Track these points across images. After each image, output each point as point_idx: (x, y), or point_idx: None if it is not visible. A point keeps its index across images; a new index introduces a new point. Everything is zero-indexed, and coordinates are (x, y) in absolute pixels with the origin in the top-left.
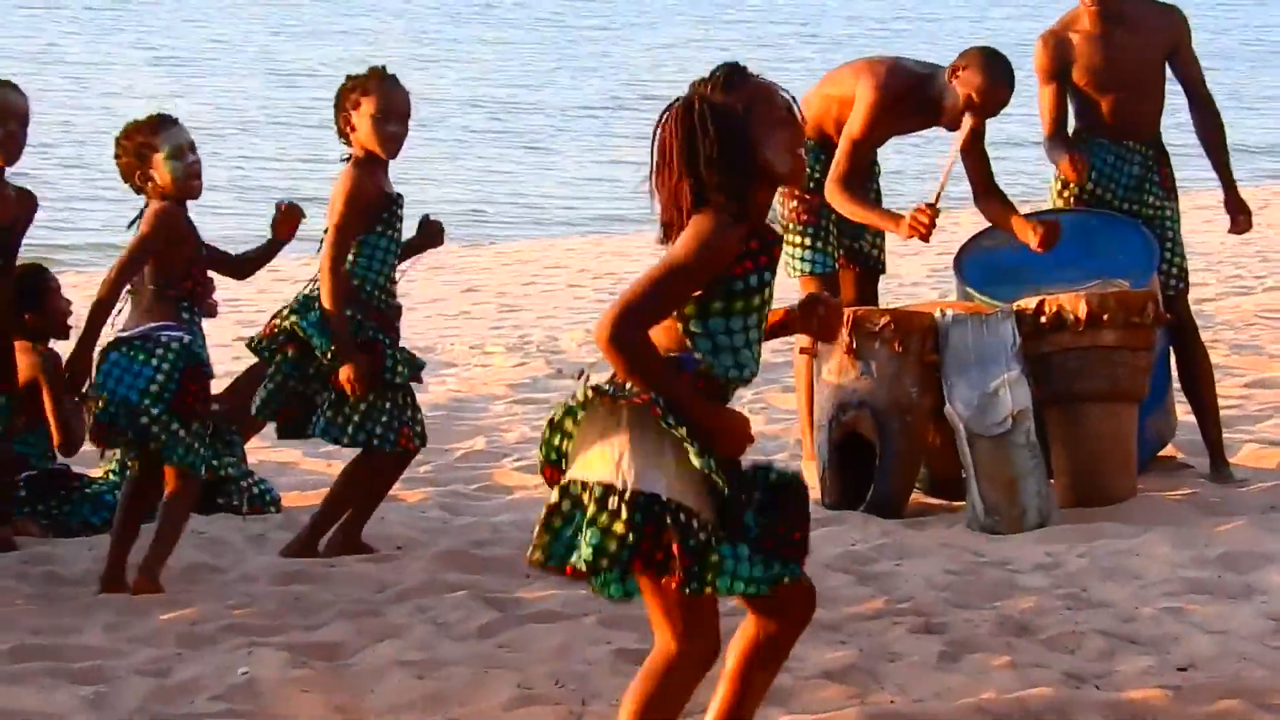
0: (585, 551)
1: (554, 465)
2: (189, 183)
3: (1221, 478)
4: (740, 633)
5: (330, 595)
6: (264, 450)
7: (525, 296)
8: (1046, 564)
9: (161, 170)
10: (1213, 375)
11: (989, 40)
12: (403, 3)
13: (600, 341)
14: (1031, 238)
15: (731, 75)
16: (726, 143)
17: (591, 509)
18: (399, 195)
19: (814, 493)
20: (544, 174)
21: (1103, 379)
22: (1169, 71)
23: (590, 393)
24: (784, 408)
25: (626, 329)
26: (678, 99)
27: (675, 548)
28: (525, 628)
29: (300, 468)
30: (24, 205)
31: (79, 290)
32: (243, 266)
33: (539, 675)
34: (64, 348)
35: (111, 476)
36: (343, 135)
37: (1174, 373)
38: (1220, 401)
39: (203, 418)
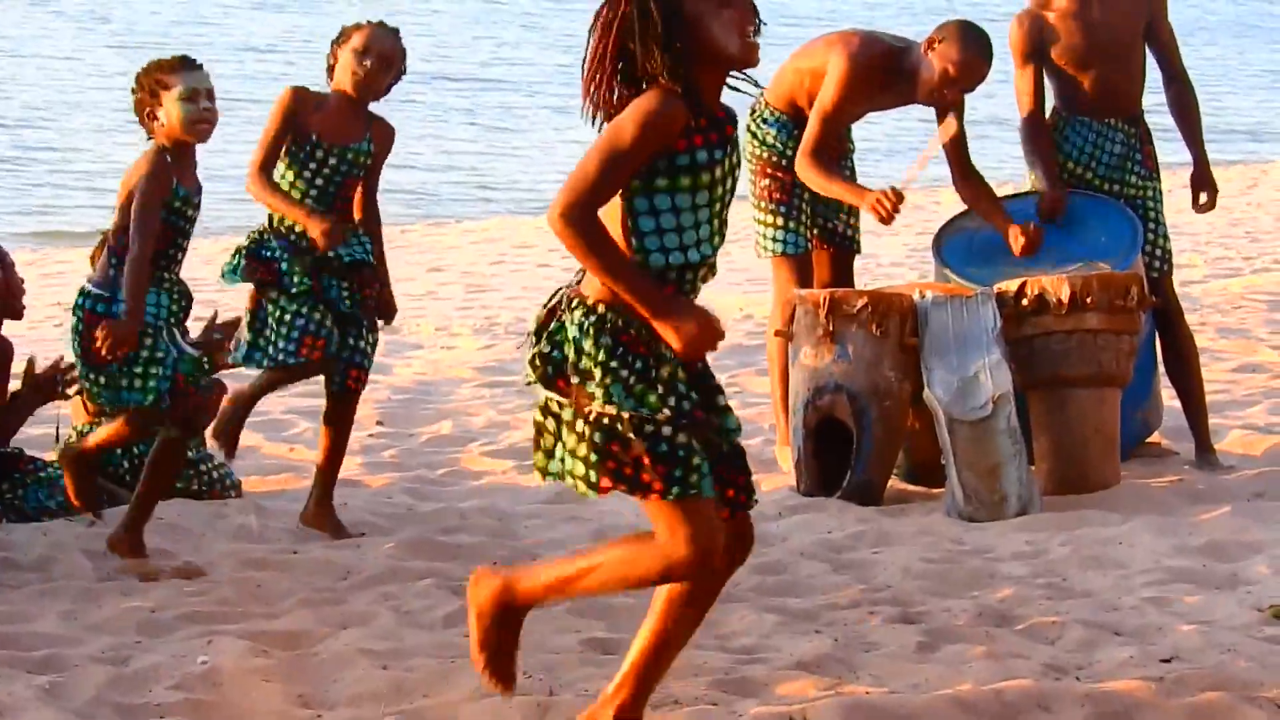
0: (572, 482)
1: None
2: (195, 127)
3: (1207, 465)
4: None
5: (291, 582)
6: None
7: (493, 276)
8: (1027, 553)
9: (171, 110)
10: (1199, 360)
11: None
12: None
13: (552, 222)
14: (1013, 241)
15: None
16: (669, 21)
17: (565, 432)
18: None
19: (789, 479)
20: (512, 151)
21: (1086, 363)
22: (1150, 49)
23: (533, 369)
24: (758, 391)
25: (577, 207)
26: None
27: (645, 459)
28: None
29: (260, 451)
30: None
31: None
32: None
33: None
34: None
35: None
36: (329, 71)
37: (1159, 357)
38: (1207, 387)
39: (118, 356)
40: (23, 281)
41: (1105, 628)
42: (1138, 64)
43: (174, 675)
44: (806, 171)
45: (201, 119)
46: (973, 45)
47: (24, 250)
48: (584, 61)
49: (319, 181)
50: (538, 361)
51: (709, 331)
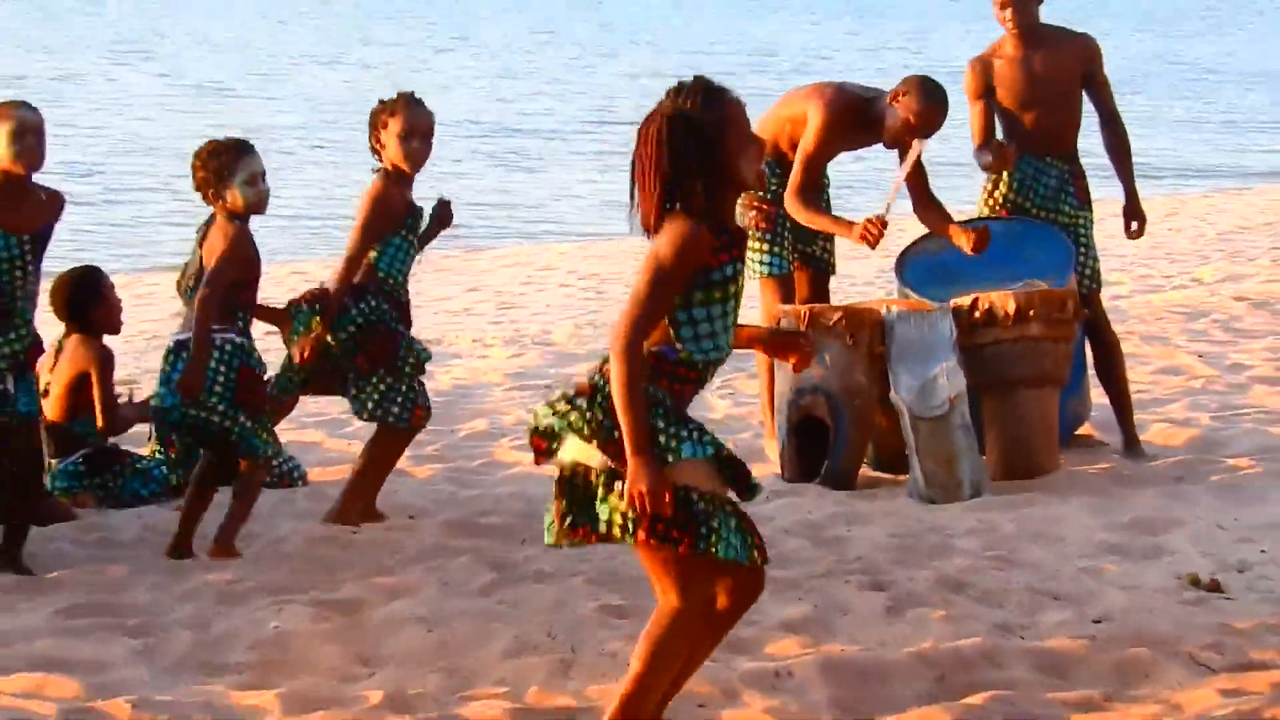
0: (601, 525)
1: (543, 437)
2: (259, 206)
3: (1134, 453)
4: None
5: (350, 558)
6: (292, 432)
7: (521, 295)
8: (979, 529)
9: (235, 193)
10: (1124, 364)
11: (926, 68)
12: (397, 35)
13: (614, 349)
14: (965, 244)
15: (709, 92)
16: (707, 153)
17: (600, 490)
18: (420, 207)
19: (775, 468)
20: (536, 188)
21: (1029, 367)
22: (1088, 94)
23: (559, 416)
24: (749, 393)
25: (635, 343)
26: (658, 110)
27: (680, 513)
28: (522, 586)
29: (324, 447)
30: (53, 204)
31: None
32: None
33: (533, 628)
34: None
35: (157, 455)
36: (374, 151)
37: (1090, 361)
38: (1132, 387)
39: (261, 408)
40: (120, 301)
41: (1045, 593)
42: (1074, 108)
43: (249, 638)
44: (797, 210)
45: (261, 199)
46: (931, 98)
47: (118, 275)
48: (631, 173)
49: (413, 246)
50: (594, 426)
51: (656, 497)
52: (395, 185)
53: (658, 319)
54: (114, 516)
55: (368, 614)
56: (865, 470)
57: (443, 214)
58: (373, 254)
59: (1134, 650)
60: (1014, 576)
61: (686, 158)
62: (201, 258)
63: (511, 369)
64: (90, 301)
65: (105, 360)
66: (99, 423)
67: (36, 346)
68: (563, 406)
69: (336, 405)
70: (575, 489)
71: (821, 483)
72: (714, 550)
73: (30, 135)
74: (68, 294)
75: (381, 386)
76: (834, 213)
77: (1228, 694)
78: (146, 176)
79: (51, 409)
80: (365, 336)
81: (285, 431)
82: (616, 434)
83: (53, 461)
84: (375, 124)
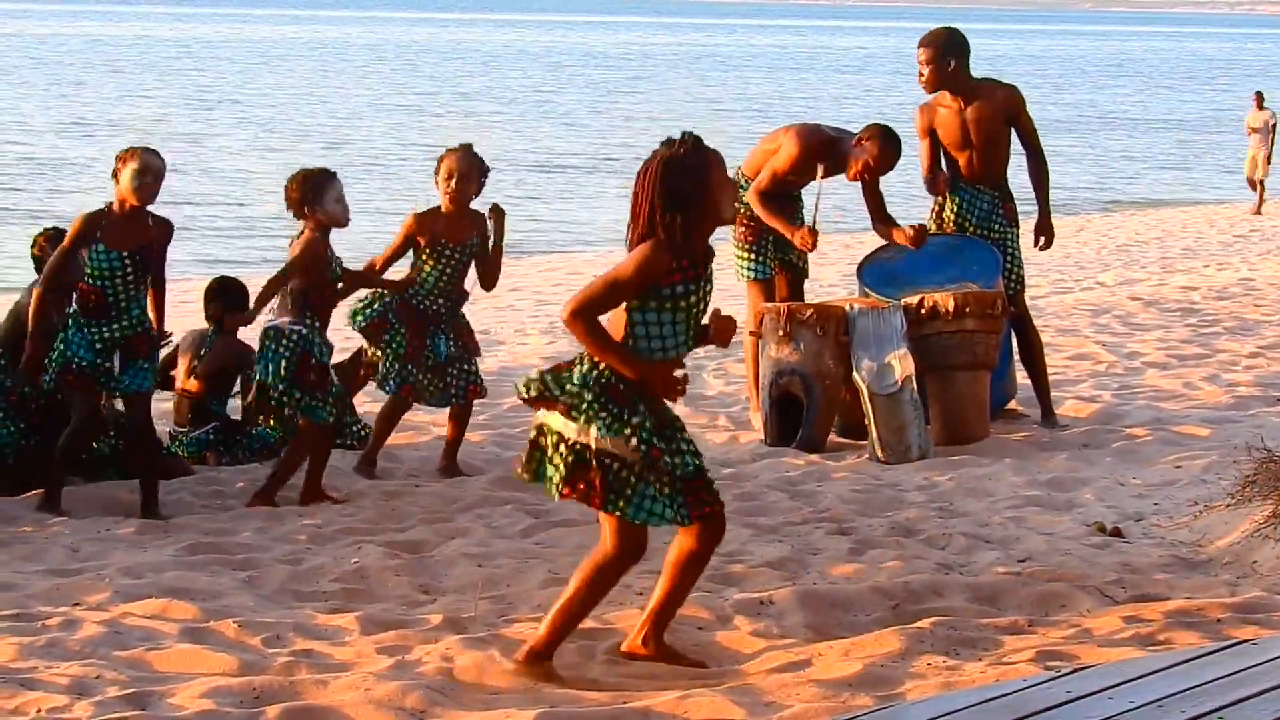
0: (547, 485)
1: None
2: (344, 220)
3: (1050, 424)
4: (675, 542)
5: (416, 507)
6: (367, 404)
7: (554, 293)
8: (925, 485)
9: (325, 210)
10: (1043, 351)
11: (883, 114)
12: (433, 88)
13: (564, 317)
14: (905, 239)
15: (697, 144)
16: (693, 192)
17: (550, 450)
18: (461, 245)
19: (759, 435)
20: (564, 209)
21: (965, 354)
22: (1016, 134)
23: (533, 386)
24: (738, 374)
25: (581, 312)
26: (655, 155)
27: (596, 481)
28: (555, 530)
29: None
30: (159, 230)
31: None
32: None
33: (565, 564)
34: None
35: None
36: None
37: (1015, 349)
38: (1049, 370)
39: (321, 385)
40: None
41: (979, 538)
42: (1002, 147)
43: (334, 571)
44: (756, 204)
45: (346, 216)
46: (889, 145)
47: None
48: (631, 202)
49: (449, 270)
50: (534, 388)
51: (675, 380)
52: (427, 219)
53: (601, 310)
54: (226, 472)
55: (430, 552)
56: (833, 437)
57: (497, 216)
58: (426, 267)
59: (1052, 584)
60: (954, 524)
61: (675, 194)
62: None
63: (547, 353)
64: (235, 306)
65: (243, 358)
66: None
67: (144, 336)
68: (546, 381)
69: None
70: (539, 449)
71: (797, 447)
72: (618, 513)
73: (149, 176)
74: (213, 298)
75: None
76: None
77: (1129, 620)
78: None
79: (195, 389)
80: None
81: (361, 402)
82: (547, 395)
83: (188, 430)
84: (436, 168)
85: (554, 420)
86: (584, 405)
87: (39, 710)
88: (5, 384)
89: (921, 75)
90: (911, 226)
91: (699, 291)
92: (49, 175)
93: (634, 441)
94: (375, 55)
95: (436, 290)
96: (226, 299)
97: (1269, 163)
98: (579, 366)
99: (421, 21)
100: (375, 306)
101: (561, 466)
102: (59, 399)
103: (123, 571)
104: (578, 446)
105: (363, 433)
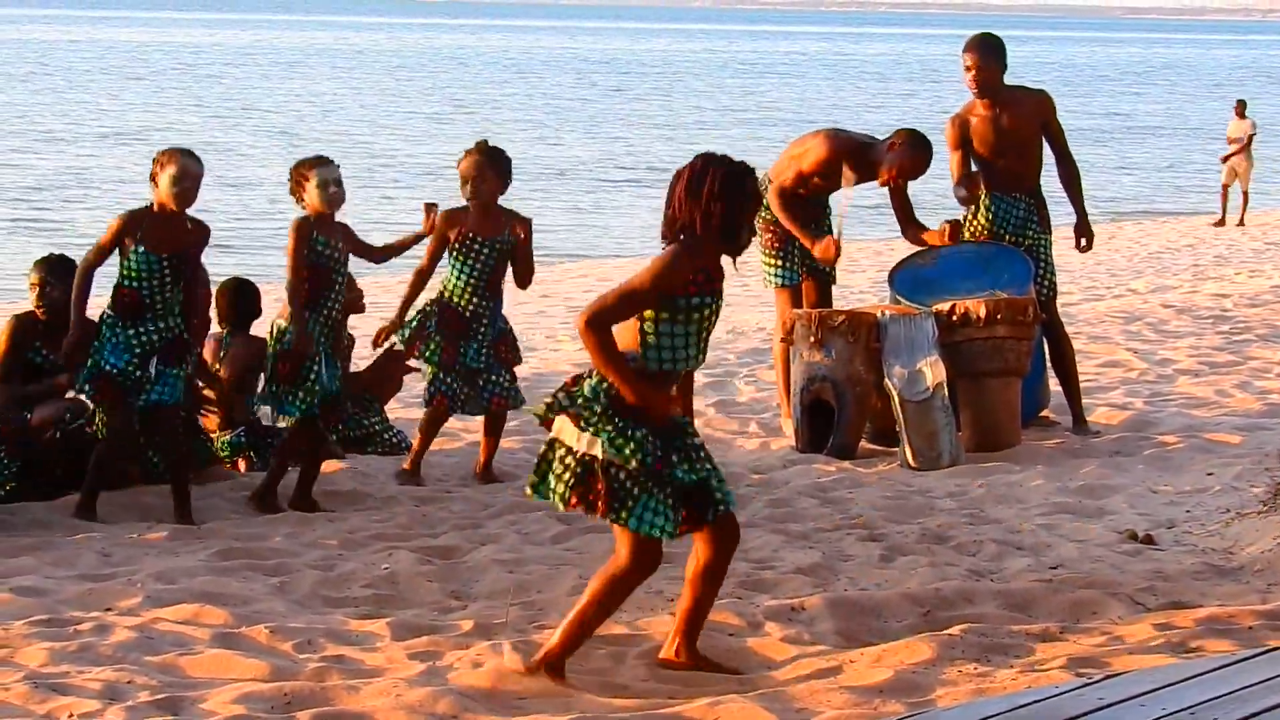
0: (552, 496)
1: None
2: (331, 205)
3: (1081, 431)
4: (692, 555)
5: (447, 513)
6: (399, 410)
7: (585, 299)
8: (956, 492)
9: (311, 194)
10: (1075, 358)
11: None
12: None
13: (578, 328)
14: (939, 239)
15: (731, 159)
16: (728, 197)
17: (557, 461)
18: (491, 240)
19: (790, 441)
20: (594, 217)
21: (997, 361)
22: (1045, 140)
23: (545, 406)
24: (769, 380)
25: (596, 322)
26: (699, 158)
27: (602, 490)
28: (584, 536)
29: None
30: (197, 233)
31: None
32: (382, 254)
33: (594, 570)
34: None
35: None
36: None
37: (1047, 356)
38: (1080, 377)
39: (291, 380)
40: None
41: (1010, 544)
42: (1034, 153)
43: (365, 577)
44: (776, 204)
45: (332, 200)
46: (919, 149)
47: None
48: (666, 206)
49: (479, 266)
50: (546, 407)
51: (666, 407)
52: (453, 217)
53: (619, 318)
54: (259, 478)
55: (461, 558)
56: (864, 444)
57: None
58: (457, 263)
59: (1083, 591)
60: (985, 530)
61: (713, 197)
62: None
63: (578, 359)
64: (250, 307)
65: (263, 354)
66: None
67: (179, 341)
68: (558, 396)
69: None
70: (547, 461)
71: (828, 453)
72: (622, 521)
73: (188, 181)
74: (229, 300)
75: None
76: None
77: (1161, 627)
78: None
79: (217, 394)
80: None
81: (392, 410)
82: (558, 409)
83: (220, 436)
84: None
85: (566, 432)
86: (592, 416)
87: (71, 715)
88: None
89: (969, 80)
90: (945, 224)
91: (712, 305)
92: (71, 190)
93: (637, 457)
94: (419, 62)
95: (471, 287)
96: (241, 301)
97: (1248, 176)
98: (590, 379)
99: (459, 27)
100: (415, 320)
101: (568, 477)
102: (61, 430)
103: (154, 576)
104: (585, 457)
105: (393, 439)
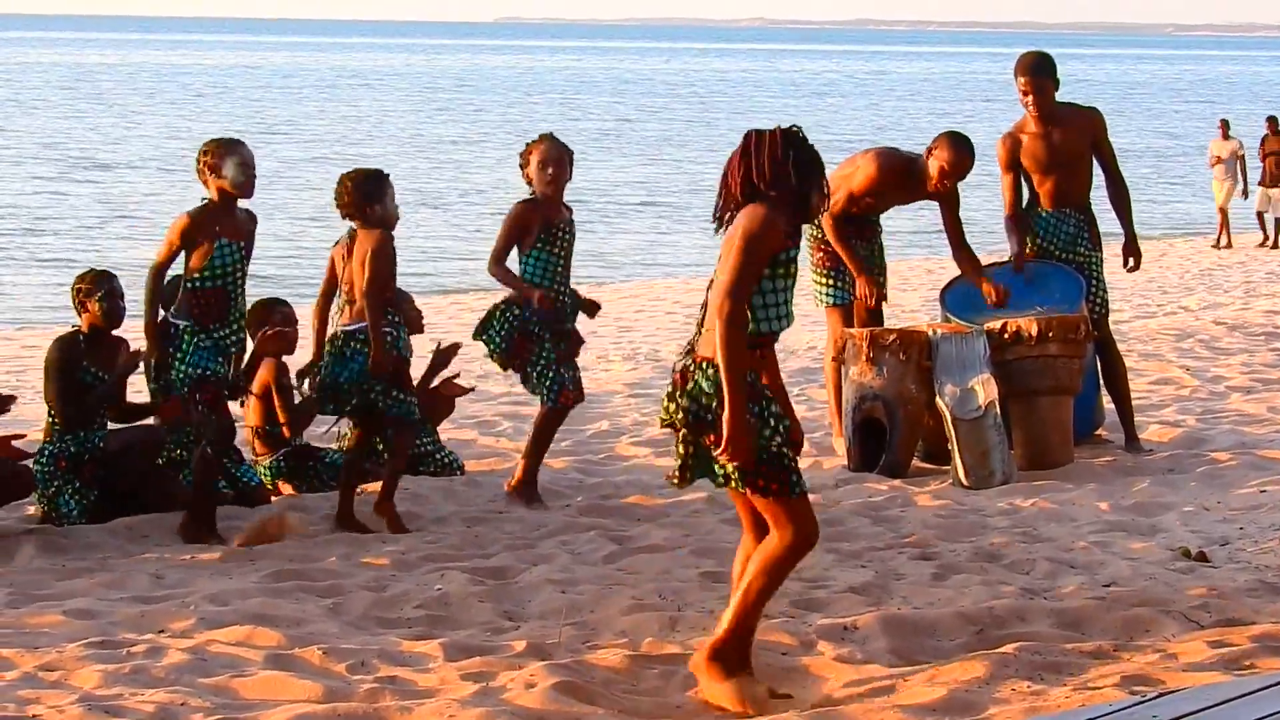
0: (719, 477)
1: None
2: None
3: (1134, 449)
4: (742, 550)
5: (499, 533)
6: (451, 431)
7: (636, 320)
8: (1008, 510)
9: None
10: (1127, 375)
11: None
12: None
13: (721, 316)
14: (987, 297)
15: (802, 134)
16: (805, 162)
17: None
18: (563, 222)
19: (842, 460)
20: (645, 237)
21: (1049, 379)
22: (1095, 158)
23: (668, 410)
24: (820, 399)
25: (739, 314)
26: (764, 131)
27: (769, 472)
28: (637, 556)
29: (477, 444)
30: (252, 222)
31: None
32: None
33: (647, 590)
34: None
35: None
36: (527, 182)
37: (1100, 374)
38: (1132, 394)
39: (407, 384)
40: (297, 324)
41: (1063, 563)
42: (1085, 170)
43: (418, 598)
44: (829, 230)
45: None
46: (959, 147)
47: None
48: (726, 173)
49: (561, 252)
50: (681, 413)
51: (742, 444)
52: (533, 208)
53: (749, 289)
54: (308, 499)
55: (513, 579)
56: (916, 462)
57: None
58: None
59: (1137, 609)
60: (1037, 549)
61: (789, 163)
62: (352, 267)
63: (629, 380)
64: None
65: (280, 375)
66: (284, 432)
67: (244, 341)
68: (667, 403)
69: (487, 409)
70: (700, 447)
71: (880, 472)
72: (794, 494)
73: (252, 167)
74: (258, 319)
75: (533, 376)
76: (885, 259)
77: (1214, 645)
78: None
79: (250, 416)
80: (507, 338)
81: (446, 432)
82: (705, 414)
83: (260, 459)
84: (522, 160)
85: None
86: (721, 410)
87: None
88: (56, 451)
89: (1029, 104)
90: (995, 288)
91: (796, 261)
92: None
93: (778, 435)
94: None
95: (558, 276)
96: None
97: (1230, 196)
98: (704, 372)
99: (505, 49)
100: (502, 328)
101: (729, 465)
102: (111, 451)
103: (207, 598)
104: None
105: (445, 459)
